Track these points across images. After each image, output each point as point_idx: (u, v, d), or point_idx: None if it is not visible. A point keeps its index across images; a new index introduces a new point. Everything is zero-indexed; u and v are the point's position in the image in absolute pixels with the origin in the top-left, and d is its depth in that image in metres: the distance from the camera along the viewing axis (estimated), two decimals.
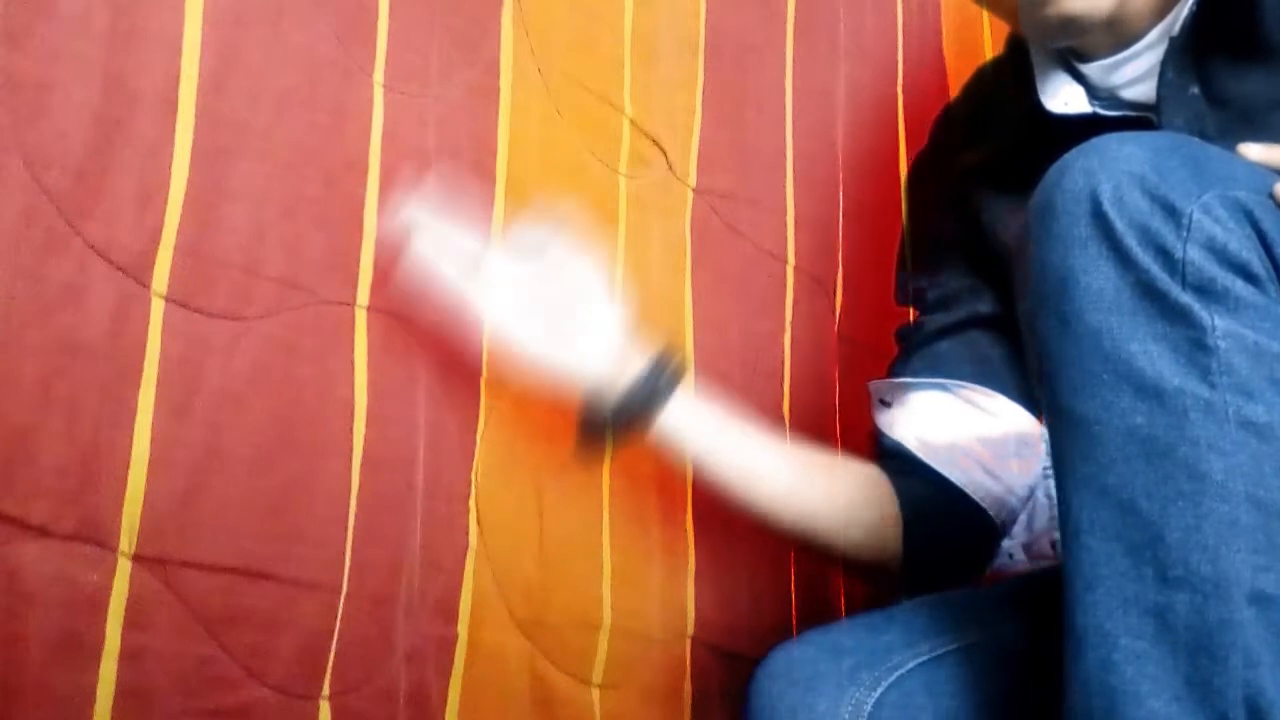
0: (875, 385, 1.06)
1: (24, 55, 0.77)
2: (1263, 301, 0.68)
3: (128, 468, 0.80)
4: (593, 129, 1.12)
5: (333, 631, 0.89)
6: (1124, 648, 0.66)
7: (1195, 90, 0.88)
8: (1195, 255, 0.67)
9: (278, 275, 0.88)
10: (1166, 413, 0.67)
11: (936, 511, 0.98)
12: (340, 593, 0.89)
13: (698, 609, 1.15)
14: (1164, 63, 0.88)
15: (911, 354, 1.04)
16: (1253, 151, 0.77)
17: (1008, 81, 1.00)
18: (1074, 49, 0.92)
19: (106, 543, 0.78)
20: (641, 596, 1.10)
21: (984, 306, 1.04)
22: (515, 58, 1.07)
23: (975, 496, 0.98)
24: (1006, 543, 1.03)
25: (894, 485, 1.00)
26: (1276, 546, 0.65)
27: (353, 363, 0.93)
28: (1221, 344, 0.67)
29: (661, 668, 1.12)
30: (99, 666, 0.77)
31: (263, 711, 0.85)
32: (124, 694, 0.78)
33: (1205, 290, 0.67)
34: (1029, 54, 0.96)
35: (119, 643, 0.78)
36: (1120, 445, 0.68)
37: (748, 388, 1.21)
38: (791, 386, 1.27)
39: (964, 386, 1.00)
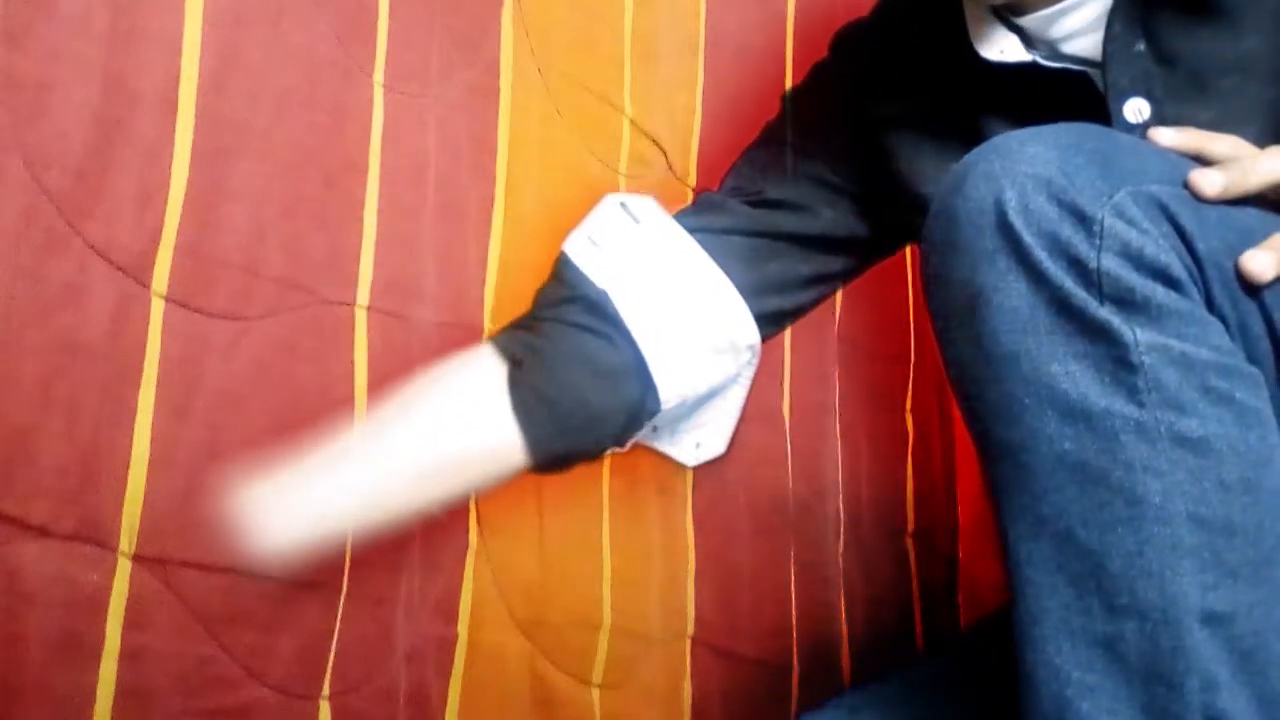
0: (605, 211, 0.93)
1: (24, 55, 0.77)
2: (1186, 306, 0.63)
3: (128, 468, 0.80)
4: (593, 129, 1.12)
5: (333, 631, 0.89)
6: (1076, 682, 0.62)
7: (1142, 47, 0.81)
8: (1110, 265, 0.62)
9: (278, 275, 0.88)
10: (1096, 436, 0.63)
11: (576, 393, 0.87)
12: (340, 593, 0.89)
13: (698, 609, 1.15)
14: (1111, 15, 0.81)
15: (696, 228, 0.93)
16: (1164, 136, 0.71)
17: (930, 22, 0.91)
18: (1009, 3, 0.85)
19: (106, 543, 0.79)
20: (641, 596, 1.11)
21: (818, 225, 0.96)
22: (515, 58, 1.07)
23: (655, 377, 0.88)
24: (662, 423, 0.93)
25: (516, 382, 0.87)
26: (1223, 563, 0.62)
27: (353, 363, 0.93)
28: (1146, 359, 0.62)
29: (661, 668, 1.12)
30: (99, 666, 0.77)
31: (263, 711, 0.85)
32: (124, 694, 0.78)
33: (1124, 302, 0.63)
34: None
35: (119, 643, 0.78)
36: (1051, 473, 0.64)
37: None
38: (791, 386, 1.27)
39: (712, 275, 0.91)
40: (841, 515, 1.31)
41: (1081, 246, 0.63)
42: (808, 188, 0.98)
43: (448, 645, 0.97)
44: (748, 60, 1.27)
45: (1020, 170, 0.65)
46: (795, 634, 1.23)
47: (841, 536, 1.31)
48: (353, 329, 0.93)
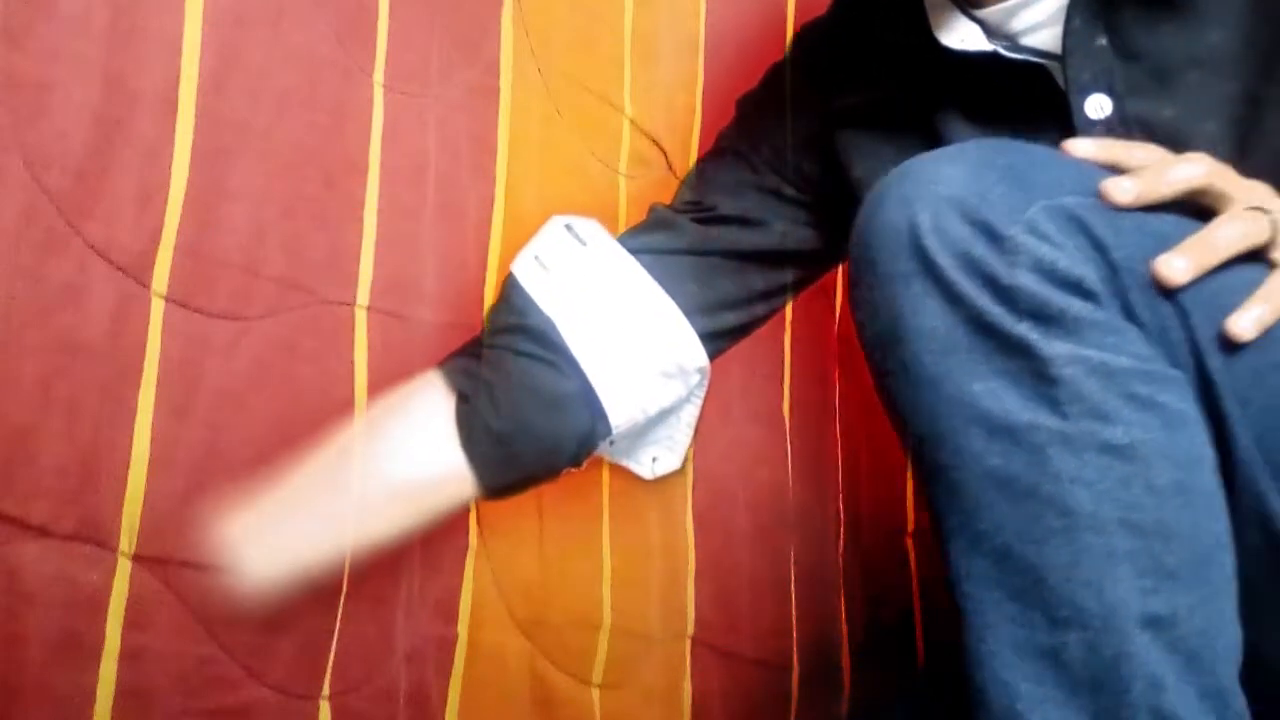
0: (551, 232, 0.93)
1: (24, 55, 0.77)
2: (1103, 317, 0.64)
3: (128, 468, 0.80)
4: (593, 129, 1.12)
5: (333, 631, 0.89)
6: (1026, 695, 0.62)
7: (1103, 41, 0.80)
8: (1025, 281, 0.63)
9: (278, 275, 0.88)
10: (1023, 451, 0.63)
11: (524, 424, 0.88)
12: (340, 593, 0.89)
13: (698, 609, 1.15)
14: (1070, 8, 0.80)
15: (645, 249, 0.93)
16: (1080, 148, 0.71)
17: (891, 13, 0.90)
18: None
19: (106, 543, 0.79)
20: (641, 596, 1.11)
21: (770, 240, 0.97)
22: (515, 58, 1.07)
23: (604, 404, 0.88)
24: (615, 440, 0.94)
25: (463, 417, 0.88)
26: (1161, 566, 0.62)
27: (353, 363, 0.93)
28: (1066, 371, 0.63)
29: (661, 668, 1.12)
30: (99, 666, 0.77)
31: (263, 711, 0.85)
32: (124, 694, 0.78)
33: (1041, 316, 0.63)
34: None
35: (119, 643, 0.78)
36: (982, 490, 0.64)
37: (748, 388, 1.21)
38: (791, 386, 1.27)
39: (657, 300, 0.91)
40: (841, 515, 1.31)
41: (995, 264, 0.63)
42: (761, 201, 0.98)
43: (448, 645, 0.97)
44: (748, 60, 1.27)
45: (932, 191, 0.65)
46: (795, 634, 1.23)
47: (841, 536, 1.31)
48: (353, 329, 0.93)
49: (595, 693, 1.06)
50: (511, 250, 1.03)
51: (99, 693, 0.77)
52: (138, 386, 0.81)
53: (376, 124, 0.95)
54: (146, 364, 0.81)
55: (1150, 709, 0.61)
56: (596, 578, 1.08)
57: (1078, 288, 0.63)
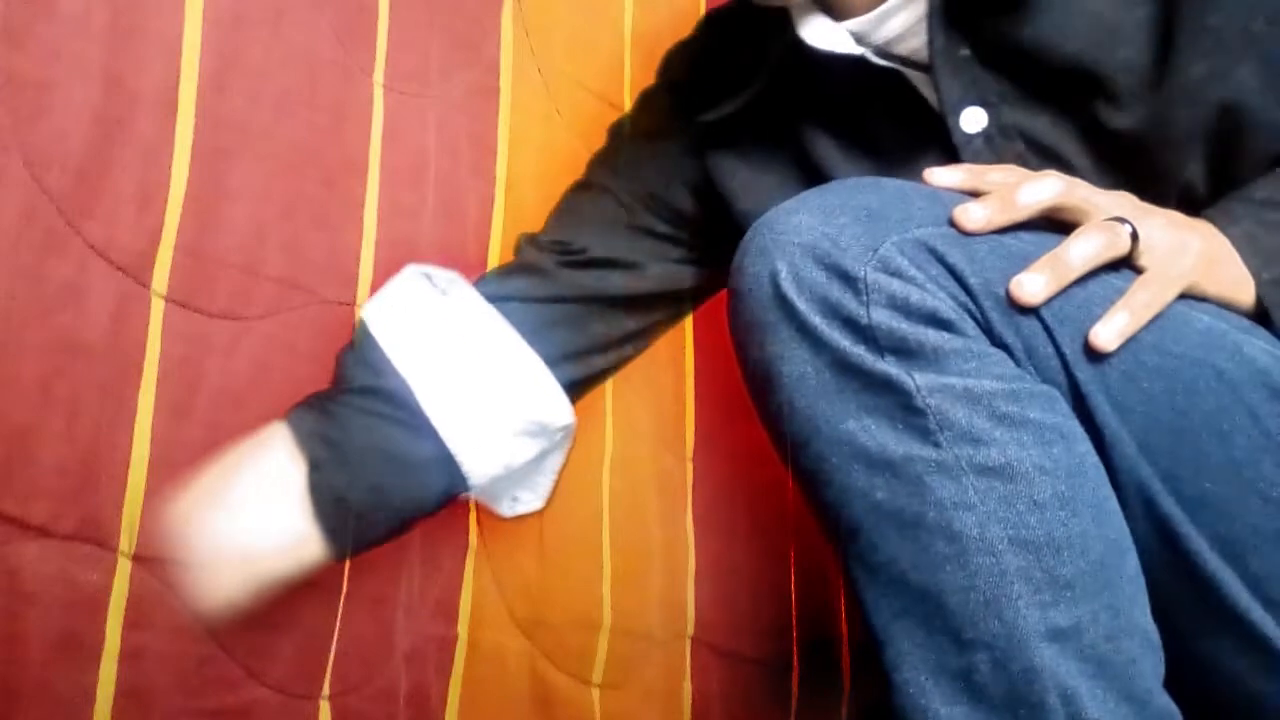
0: (408, 280, 0.89)
1: (24, 55, 0.77)
2: (960, 344, 0.64)
3: (128, 468, 0.80)
4: (593, 129, 1.12)
5: (333, 631, 0.89)
6: (945, 718, 0.64)
7: (966, 52, 0.79)
8: (881, 318, 0.64)
9: (278, 275, 0.88)
10: (903, 483, 0.64)
11: (379, 494, 0.83)
12: (340, 593, 0.89)
13: (698, 609, 1.15)
14: (929, 22, 0.79)
15: (511, 296, 0.91)
16: (937, 177, 0.72)
17: (757, 25, 0.88)
18: (827, 5, 0.83)
19: (106, 543, 0.79)
20: (641, 596, 1.11)
21: (644, 283, 0.96)
22: (515, 58, 1.07)
23: (462, 465, 0.85)
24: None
25: (316, 486, 0.82)
26: (1056, 579, 0.63)
27: None
28: (931, 401, 0.64)
29: (661, 668, 1.12)
30: (99, 666, 0.77)
31: (263, 711, 0.85)
32: (124, 694, 0.78)
33: (901, 350, 0.64)
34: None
35: (119, 643, 0.78)
36: (872, 524, 0.65)
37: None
38: None
39: (521, 357, 0.88)
40: None
41: (851, 305, 0.65)
42: (633, 241, 0.97)
43: (448, 645, 0.97)
44: None
45: (788, 241, 0.67)
46: (795, 634, 1.23)
47: None
48: (353, 329, 0.93)
49: (595, 693, 1.06)
50: (512, 250, 1.03)
51: (99, 693, 0.77)
52: (138, 386, 0.81)
53: (376, 124, 0.95)
54: (146, 364, 0.81)
55: (1069, 718, 0.61)
56: (596, 578, 1.08)
57: (933, 318, 0.64)
